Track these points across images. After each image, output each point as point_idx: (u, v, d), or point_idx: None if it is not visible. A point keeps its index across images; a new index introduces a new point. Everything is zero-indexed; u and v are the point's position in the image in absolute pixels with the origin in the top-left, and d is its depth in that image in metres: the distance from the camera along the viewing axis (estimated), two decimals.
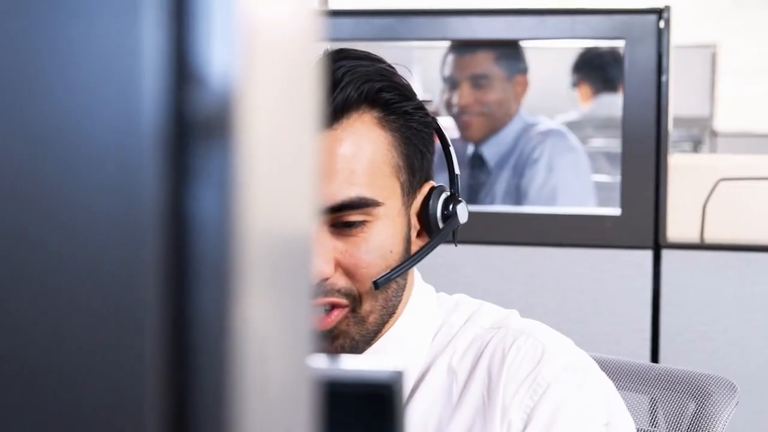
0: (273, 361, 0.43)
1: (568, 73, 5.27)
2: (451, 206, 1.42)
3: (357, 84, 1.34)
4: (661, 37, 2.68)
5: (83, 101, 0.39)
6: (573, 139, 3.39)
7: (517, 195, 3.24)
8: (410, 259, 1.37)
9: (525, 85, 3.33)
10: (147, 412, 0.39)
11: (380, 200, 1.34)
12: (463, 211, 1.44)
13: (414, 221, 1.41)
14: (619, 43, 2.77)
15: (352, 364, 0.68)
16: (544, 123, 3.34)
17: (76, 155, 0.39)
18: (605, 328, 2.73)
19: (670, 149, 5.74)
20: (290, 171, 0.44)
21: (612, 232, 2.73)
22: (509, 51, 3.29)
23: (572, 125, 5.16)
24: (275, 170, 0.43)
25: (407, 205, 1.39)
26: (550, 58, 5.66)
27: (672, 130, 6.06)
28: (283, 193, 0.43)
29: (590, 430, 1.37)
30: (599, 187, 3.56)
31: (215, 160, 0.39)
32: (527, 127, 3.30)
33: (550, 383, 1.36)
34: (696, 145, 6.38)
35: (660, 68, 2.69)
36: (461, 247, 2.78)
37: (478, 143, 3.31)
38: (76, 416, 0.39)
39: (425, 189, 1.41)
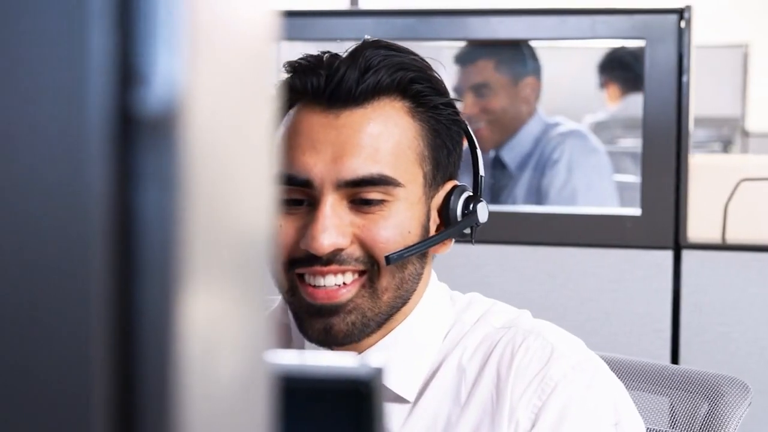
0: (223, 356, 0.44)
1: (596, 73, 5.27)
2: (471, 205, 1.44)
3: (390, 71, 1.36)
4: (681, 37, 2.67)
5: (30, 101, 0.40)
6: (594, 140, 3.38)
7: (538, 196, 3.24)
8: (426, 241, 1.38)
9: (535, 86, 3.31)
10: (93, 405, 0.39)
11: (401, 182, 1.36)
12: (483, 211, 1.45)
13: (434, 215, 1.42)
14: (640, 43, 2.77)
15: (333, 360, 0.69)
16: (565, 124, 3.33)
17: (23, 153, 0.40)
18: (625, 329, 2.73)
19: (700, 149, 5.70)
20: (242, 169, 0.45)
21: (632, 232, 2.72)
22: (512, 55, 3.28)
23: (600, 125, 5.15)
24: (225, 168, 0.43)
25: (428, 196, 1.40)
26: (578, 59, 5.66)
27: (702, 131, 6.03)
28: (234, 191, 0.44)
29: (598, 430, 1.37)
30: (627, 187, 3.55)
31: (159, 158, 0.40)
32: (547, 129, 3.29)
33: (558, 383, 1.37)
34: (726, 146, 6.37)
35: (681, 68, 2.68)
36: (481, 247, 2.80)
37: (497, 148, 3.31)
38: (21, 409, 0.40)
39: (448, 186, 1.43)
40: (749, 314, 2.69)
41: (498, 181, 3.31)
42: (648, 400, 1.72)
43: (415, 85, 1.38)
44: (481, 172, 1.49)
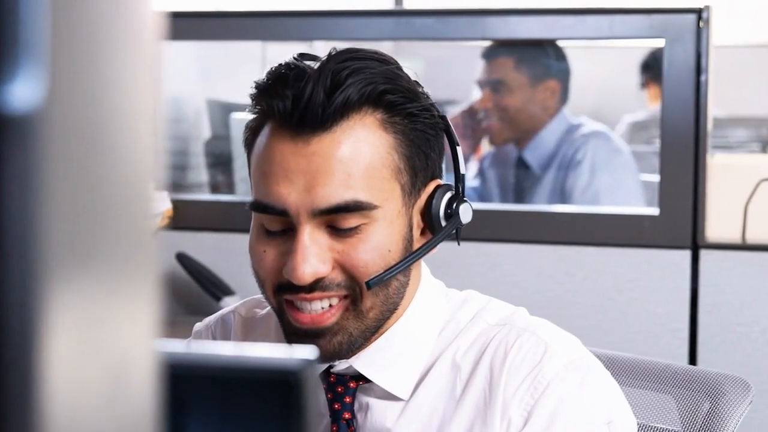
0: (99, 348, 0.46)
1: (637, 73, 5.26)
2: (454, 205, 1.43)
3: (359, 86, 1.34)
4: (700, 36, 2.67)
5: None
6: (617, 140, 3.36)
7: (562, 197, 3.23)
8: (405, 259, 1.38)
9: (555, 90, 3.29)
10: None
11: (377, 203, 1.35)
12: (466, 211, 1.44)
13: (417, 219, 1.41)
14: (659, 43, 2.76)
15: (267, 352, 0.71)
16: (588, 125, 3.32)
17: None
18: (642, 328, 2.73)
19: (739, 149, 5.65)
20: (117, 166, 0.47)
21: (650, 231, 2.72)
22: (534, 56, 3.27)
23: (638, 125, 5.13)
24: (95, 164, 0.45)
25: (409, 205, 1.39)
26: (617, 58, 5.64)
27: (741, 130, 5.98)
28: (108, 187, 0.46)
29: (591, 429, 1.37)
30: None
31: (20, 157, 0.42)
32: (571, 129, 3.28)
33: (550, 381, 1.37)
34: (765, 145, 6.31)
35: (699, 68, 2.67)
36: (500, 246, 2.81)
37: (520, 148, 3.31)
38: None
39: (430, 187, 1.42)
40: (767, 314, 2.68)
41: (521, 181, 3.31)
42: (651, 398, 1.72)
43: (387, 96, 1.36)
44: (463, 171, 1.47)
